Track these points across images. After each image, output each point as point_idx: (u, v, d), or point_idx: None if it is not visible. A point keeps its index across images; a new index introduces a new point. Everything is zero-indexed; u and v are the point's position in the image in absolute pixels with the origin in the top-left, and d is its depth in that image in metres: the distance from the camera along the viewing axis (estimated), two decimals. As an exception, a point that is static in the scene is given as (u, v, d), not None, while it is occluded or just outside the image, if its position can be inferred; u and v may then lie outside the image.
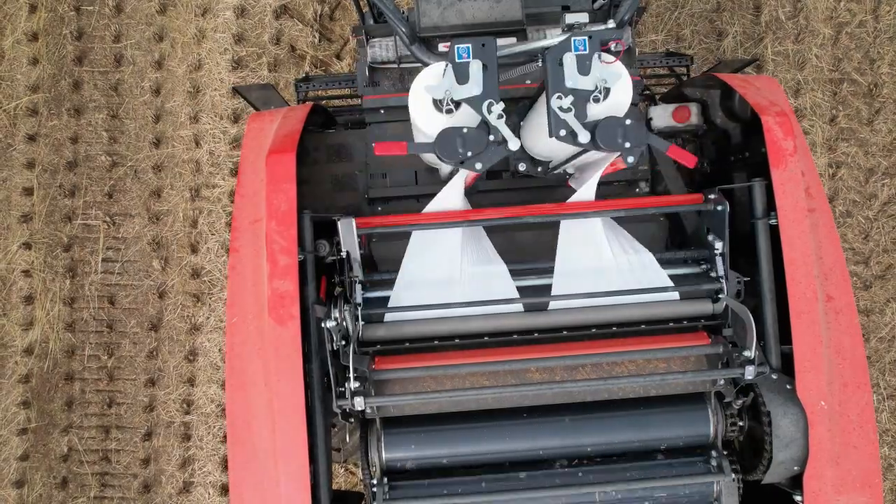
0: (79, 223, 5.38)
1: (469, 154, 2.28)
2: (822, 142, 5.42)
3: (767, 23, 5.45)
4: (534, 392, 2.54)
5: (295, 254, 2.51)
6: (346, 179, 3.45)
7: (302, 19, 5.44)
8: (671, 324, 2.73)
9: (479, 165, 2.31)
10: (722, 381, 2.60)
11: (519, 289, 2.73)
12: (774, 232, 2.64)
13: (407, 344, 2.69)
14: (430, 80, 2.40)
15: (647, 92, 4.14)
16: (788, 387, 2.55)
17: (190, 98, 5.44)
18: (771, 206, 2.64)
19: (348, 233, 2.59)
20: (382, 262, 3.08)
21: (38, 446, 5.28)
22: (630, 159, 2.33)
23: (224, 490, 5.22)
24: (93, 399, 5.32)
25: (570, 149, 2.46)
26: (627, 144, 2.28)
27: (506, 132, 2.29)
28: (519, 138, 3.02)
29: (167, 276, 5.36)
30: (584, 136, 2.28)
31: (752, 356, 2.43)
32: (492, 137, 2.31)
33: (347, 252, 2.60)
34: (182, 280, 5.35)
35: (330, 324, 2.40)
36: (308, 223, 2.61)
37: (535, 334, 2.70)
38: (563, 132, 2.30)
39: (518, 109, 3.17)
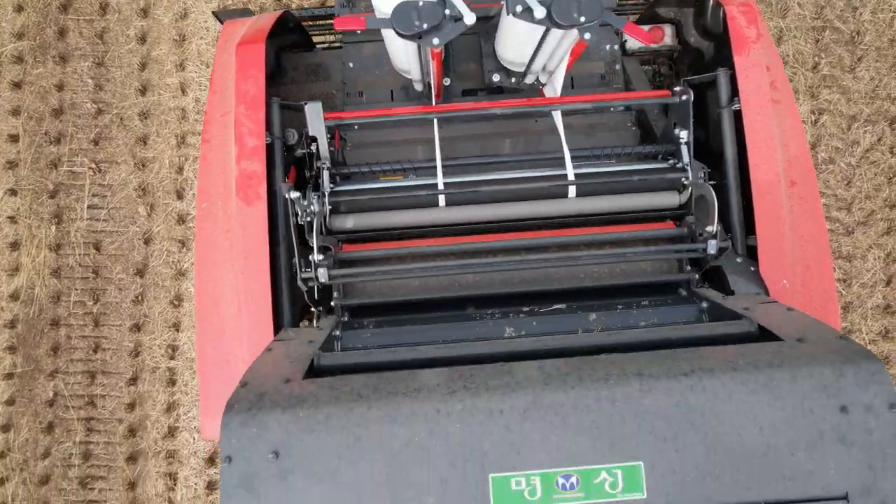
0: (64, 170, 5.39)
1: (425, 27, 2.29)
2: (805, 89, 5.44)
3: (750, -29, 5.47)
4: (499, 273, 2.56)
5: (263, 136, 2.53)
6: (323, 99, 3.47)
7: (287, -33, 5.46)
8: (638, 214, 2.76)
9: (436, 41, 2.31)
10: (689, 267, 2.63)
11: (494, 181, 2.76)
12: (741, 123, 2.66)
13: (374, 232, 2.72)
14: None
15: (624, 15, 4.15)
16: (752, 269, 2.57)
17: (176, 46, 5.45)
18: (735, 93, 2.66)
19: (316, 118, 2.62)
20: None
21: (24, 391, 5.30)
22: (587, 36, 2.34)
23: (209, 434, 5.23)
24: (78, 345, 5.34)
25: (535, 45, 2.47)
26: (583, 19, 2.30)
27: (461, 6, 2.29)
28: (491, 49, 3.03)
29: (153, 223, 5.37)
30: (539, 12, 2.29)
31: (714, 231, 2.45)
32: (448, 12, 2.31)
33: (315, 138, 2.62)
34: (168, 226, 5.36)
35: (294, 194, 2.42)
36: (276, 109, 2.63)
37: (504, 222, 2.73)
38: (519, 8, 2.31)
39: (492, 24, 3.20)
